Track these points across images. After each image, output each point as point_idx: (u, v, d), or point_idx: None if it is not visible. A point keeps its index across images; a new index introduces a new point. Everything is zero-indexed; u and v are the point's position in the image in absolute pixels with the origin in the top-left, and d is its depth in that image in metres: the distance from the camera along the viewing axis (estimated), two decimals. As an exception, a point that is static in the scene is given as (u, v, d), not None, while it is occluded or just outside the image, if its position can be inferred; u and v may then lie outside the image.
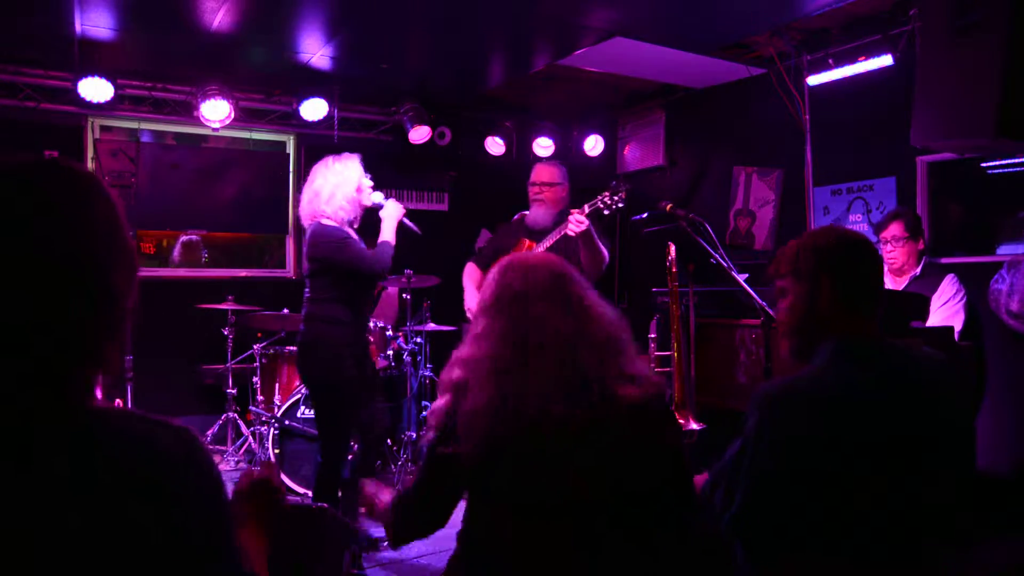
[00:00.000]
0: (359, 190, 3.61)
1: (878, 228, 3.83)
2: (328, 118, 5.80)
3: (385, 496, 1.87)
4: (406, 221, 3.73)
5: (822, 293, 1.64)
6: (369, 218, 3.73)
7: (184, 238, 6.21)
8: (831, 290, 1.63)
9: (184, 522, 0.95)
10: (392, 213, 3.68)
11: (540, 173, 4.18)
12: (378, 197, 3.68)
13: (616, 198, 3.76)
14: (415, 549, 3.74)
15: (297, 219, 6.26)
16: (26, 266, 0.90)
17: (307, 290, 3.60)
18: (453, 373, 1.66)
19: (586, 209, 3.76)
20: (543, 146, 6.63)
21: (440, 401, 1.67)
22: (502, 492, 1.57)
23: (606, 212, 3.80)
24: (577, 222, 3.71)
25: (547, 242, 3.92)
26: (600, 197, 3.85)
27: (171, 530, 0.94)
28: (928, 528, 1.56)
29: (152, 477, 0.93)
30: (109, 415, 0.96)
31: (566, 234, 3.77)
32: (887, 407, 1.56)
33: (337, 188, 3.55)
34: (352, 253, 3.49)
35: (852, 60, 4.47)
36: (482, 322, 1.67)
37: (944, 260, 4.15)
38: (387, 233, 3.63)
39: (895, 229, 3.70)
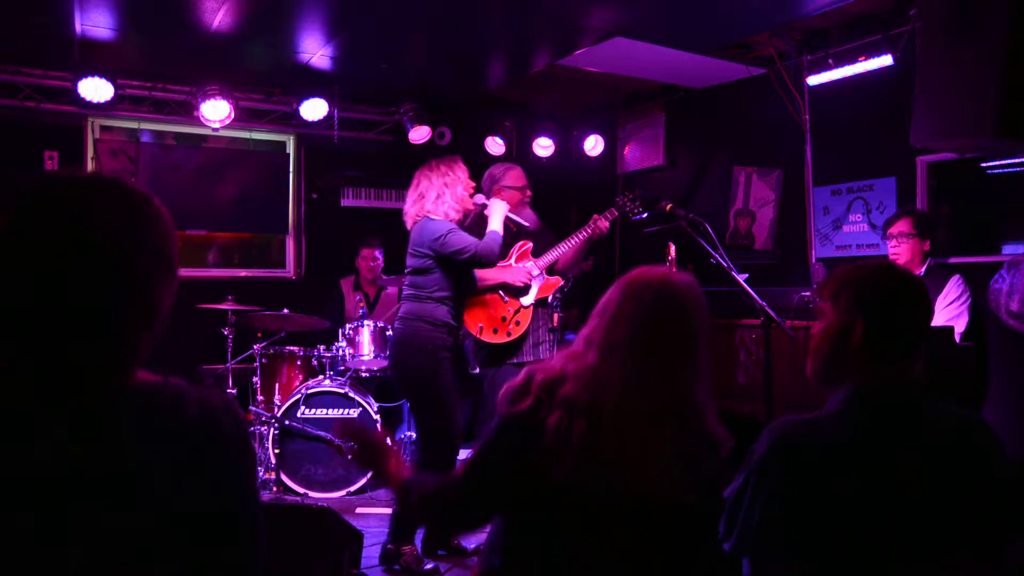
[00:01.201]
0: (466, 189, 3.70)
1: (888, 223, 3.83)
2: (328, 118, 5.80)
3: (404, 469, 1.80)
4: (512, 216, 3.82)
5: (854, 332, 1.60)
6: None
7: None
8: (863, 332, 1.59)
9: (200, 498, 1.00)
10: (499, 209, 3.76)
11: (524, 176, 4.25)
12: (480, 199, 3.79)
13: (637, 204, 4.19)
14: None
15: (297, 219, 6.31)
16: (85, 271, 1.00)
17: (408, 288, 3.65)
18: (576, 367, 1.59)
19: (614, 213, 4.16)
20: (543, 146, 6.63)
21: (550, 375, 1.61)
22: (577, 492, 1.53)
23: (633, 218, 4.20)
24: (605, 227, 4.07)
25: (574, 244, 4.08)
26: (621, 204, 4.22)
27: (187, 505, 0.99)
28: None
29: (173, 447, 0.99)
30: (144, 388, 1.04)
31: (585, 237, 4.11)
32: (896, 464, 1.51)
33: (444, 188, 3.64)
34: (459, 241, 3.55)
35: (852, 60, 4.47)
36: (622, 331, 1.59)
37: (949, 260, 4.16)
38: (495, 224, 3.72)
39: (902, 225, 3.71)
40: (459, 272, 3.66)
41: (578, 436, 1.51)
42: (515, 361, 4.00)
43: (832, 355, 1.63)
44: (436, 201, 3.63)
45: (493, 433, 1.65)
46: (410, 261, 3.65)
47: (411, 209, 3.71)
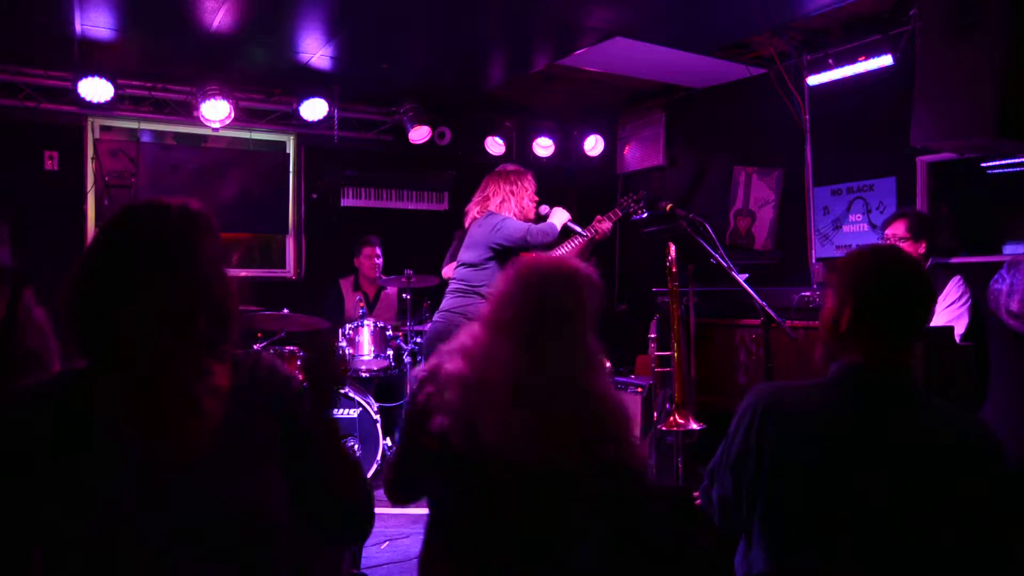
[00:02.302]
0: (532, 200, 3.90)
1: (884, 226, 3.83)
2: (328, 118, 5.80)
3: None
4: (571, 225, 3.98)
5: (844, 314, 1.63)
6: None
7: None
8: (851, 313, 1.62)
9: None
10: (560, 216, 3.95)
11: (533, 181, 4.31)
12: (544, 209, 3.98)
13: (641, 205, 4.29)
14: (415, 549, 3.73)
15: (297, 219, 6.31)
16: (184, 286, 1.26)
17: (456, 281, 3.81)
18: (459, 365, 1.65)
19: (618, 214, 4.22)
20: (543, 146, 6.63)
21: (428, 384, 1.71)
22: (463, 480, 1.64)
23: (633, 217, 4.34)
24: (608, 228, 4.10)
25: (577, 244, 4.16)
26: (625, 204, 4.30)
27: None
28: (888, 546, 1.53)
29: None
30: None
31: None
32: (863, 440, 1.54)
33: (510, 195, 3.83)
34: (516, 224, 3.73)
35: (852, 60, 4.47)
36: (511, 310, 1.63)
37: (950, 260, 4.15)
38: (554, 221, 3.92)
39: (897, 228, 3.71)
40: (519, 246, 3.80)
41: (459, 406, 1.61)
42: None
43: (829, 336, 1.67)
44: (500, 205, 3.83)
45: (403, 422, 1.79)
46: (465, 255, 3.80)
47: (473, 209, 3.92)
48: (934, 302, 1.69)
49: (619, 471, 1.58)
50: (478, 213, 3.85)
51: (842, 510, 1.52)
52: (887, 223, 3.79)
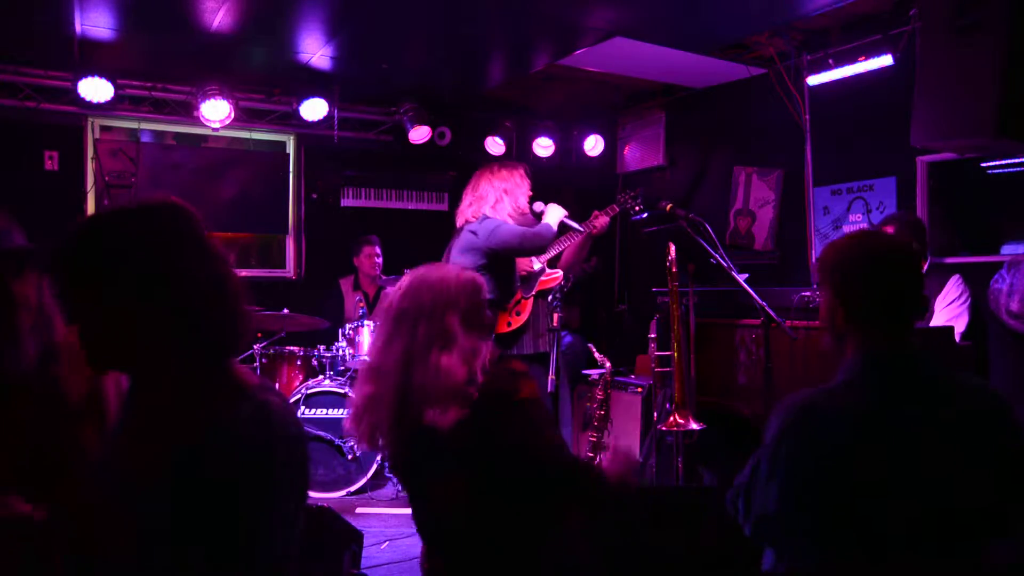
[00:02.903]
0: (527, 196, 3.78)
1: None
2: (328, 118, 5.80)
3: None
4: (567, 221, 3.86)
5: (839, 308, 1.66)
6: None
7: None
8: (847, 307, 1.65)
9: None
10: (556, 213, 3.81)
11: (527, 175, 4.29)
12: (539, 206, 3.85)
13: (639, 202, 4.23)
14: (416, 550, 3.74)
15: (297, 219, 6.31)
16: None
17: None
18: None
19: (615, 209, 4.16)
20: (543, 146, 6.63)
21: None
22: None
23: (632, 217, 4.29)
24: (606, 223, 4.05)
25: (575, 239, 4.13)
26: (622, 201, 4.24)
27: None
28: (945, 539, 1.54)
29: None
30: None
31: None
32: (908, 428, 1.54)
33: (504, 195, 3.72)
34: (511, 230, 3.60)
35: (852, 60, 4.47)
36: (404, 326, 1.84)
37: (949, 260, 4.15)
38: (549, 220, 3.79)
39: None
40: (506, 277, 3.70)
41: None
42: (515, 352, 4.00)
43: (832, 328, 1.70)
44: (495, 206, 3.71)
45: None
46: (460, 259, 3.68)
47: (467, 210, 3.78)
48: (919, 275, 1.68)
49: (427, 433, 1.78)
50: (472, 216, 3.74)
51: (895, 507, 1.52)
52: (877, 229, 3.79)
